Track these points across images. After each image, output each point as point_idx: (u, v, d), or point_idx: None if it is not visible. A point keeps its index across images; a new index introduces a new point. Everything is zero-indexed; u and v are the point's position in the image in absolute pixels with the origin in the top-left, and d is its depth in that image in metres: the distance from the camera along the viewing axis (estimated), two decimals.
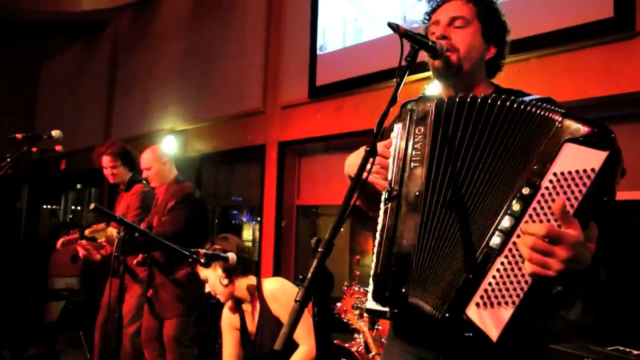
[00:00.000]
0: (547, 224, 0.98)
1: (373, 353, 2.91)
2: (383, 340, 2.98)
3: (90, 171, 8.43)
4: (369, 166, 1.05)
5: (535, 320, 1.05)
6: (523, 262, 1.00)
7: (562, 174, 1.01)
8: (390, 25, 1.16)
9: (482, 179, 1.11)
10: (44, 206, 10.21)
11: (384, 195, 1.21)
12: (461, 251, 1.10)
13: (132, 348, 3.46)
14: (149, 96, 6.98)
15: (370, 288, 1.19)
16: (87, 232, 3.19)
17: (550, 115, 1.07)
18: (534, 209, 1.02)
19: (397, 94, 1.12)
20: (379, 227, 1.21)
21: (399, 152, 1.22)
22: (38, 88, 10.49)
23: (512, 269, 1.02)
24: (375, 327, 3.05)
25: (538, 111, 1.09)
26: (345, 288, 3.27)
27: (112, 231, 3.03)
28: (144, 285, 3.44)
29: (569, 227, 0.96)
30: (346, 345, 3.02)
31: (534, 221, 1.02)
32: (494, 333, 1.01)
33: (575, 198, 0.99)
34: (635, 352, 2.22)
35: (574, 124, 1.04)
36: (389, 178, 1.22)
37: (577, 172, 1.00)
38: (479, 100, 1.14)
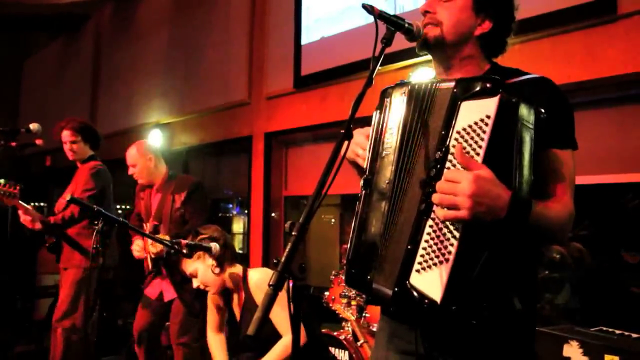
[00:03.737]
0: (448, 170, 1.05)
1: (361, 341, 2.92)
2: (371, 327, 2.99)
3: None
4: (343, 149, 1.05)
5: (486, 281, 1.04)
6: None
7: (464, 129, 1.07)
8: (364, 6, 1.15)
9: (424, 160, 1.15)
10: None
11: (361, 182, 1.22)
12: (407, 230, 1.13)
13: (64, 346, 3.29)
14: (133, 90, 6.91)
15: (344, 273, 1.25)
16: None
17: (445, 86, 1.15)
18: (447, 168, 1.08)
19: (372, 76, 1.12)
20: (355, 213, 1.23)
21: (374, 140, 1.25)
22: (21, 84, 10.34)
23: (440, 228, 1.07)
24: (363, 314, 3.06)
25: (440, 86, 1.17)
26: (333, 277, 3.27)
27: None
28: (84, 270, 3.30)
29: (469, 168, 1.02)
30: (334, 333, 3.03)
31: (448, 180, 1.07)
32: (436, 294, 1.04)
33: (480, 147, 1.04)
34: (617, 332, 2.25)
35: (464, 85, 1.11)
36: (364, 166, 1.25)
37: (475, 123, 1.05)
38: (423, 86, 1.20)
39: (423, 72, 3.06)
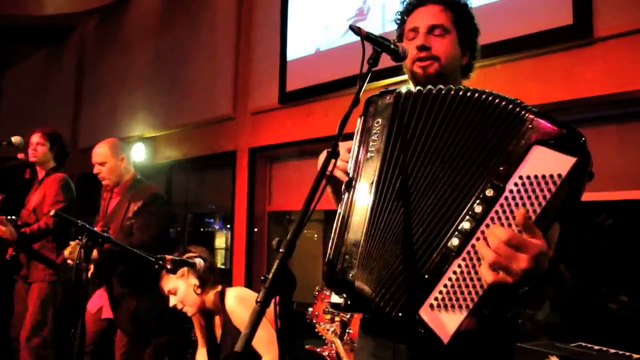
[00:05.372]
0: (511, 231, 0.96)
1: None
2: (355, 344, 2.97)
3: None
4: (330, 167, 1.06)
5: (490, 322, 1.05)
6: (480, 266, 0.98)
7: (528, 177, 0.99)
8: (351, 27, 1.17)
9: (437, 172, 1.11)
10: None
11: (344, 186, 1.22)
12: (411, 243, 1.09)
13: None
14: (117, 103, 6.86)
15: (325, 273, 1.21)
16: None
17: (522, 113, 1.04)
18: (496, 212, 1.00)
19: (359, 96, 1.14)
20: (337, 215, 1.21)
21: (357, 144, 1.24)
22: (1, 95, 10.20)
23: (469, 272, 1.01)
24: (347, 331, 3.05)
25: (509, 107, 1.06)
26: (317, 293, 3.27)
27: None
28: (49, 284, 3.24)
29: (532, 236, 0.95)
30: (318, 350, 3.02)
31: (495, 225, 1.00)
32: (445, 336, 1.00)
33: (539, 204, 0.97)
34: (596, 347, 2.28)
35: (545, 125, 1.01)
36: (348, 167, 1.24)
37: (543, 177, 0.97)
38: (443, 91, 1.15)
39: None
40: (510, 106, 1.06)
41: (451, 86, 1.16)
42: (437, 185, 1.10)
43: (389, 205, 1.15)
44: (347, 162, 1.26)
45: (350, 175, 1.22)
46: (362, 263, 1.14)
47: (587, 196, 3.16)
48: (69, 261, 2.64)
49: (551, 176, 0.96)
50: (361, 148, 1.23)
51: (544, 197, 0.97)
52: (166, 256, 2.13)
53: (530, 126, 1.02)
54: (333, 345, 3.02)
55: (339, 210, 1.21)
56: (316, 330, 3.17)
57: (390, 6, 3.96)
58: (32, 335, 3.23)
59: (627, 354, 2.23)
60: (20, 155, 3.24)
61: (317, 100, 4.40)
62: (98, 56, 7.56)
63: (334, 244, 1.19)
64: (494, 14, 3.29)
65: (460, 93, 1.13)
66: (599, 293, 3.14)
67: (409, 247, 1.09)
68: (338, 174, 1.27)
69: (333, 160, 1.06)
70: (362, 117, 1.27)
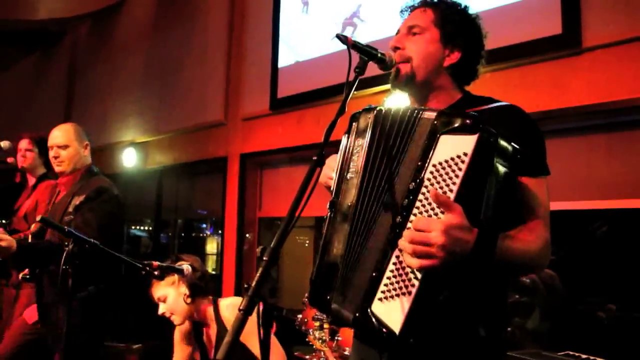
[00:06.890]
0: (418, 217, 1.04)
1: None
2: (343, 351, 2.97)
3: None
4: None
5: (449, 313, 1.05)
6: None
7: (440, 163, 1.07)
8: (338, 36, 1.18)
9: (394, 187, 1.15)
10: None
11: (328, 204, 1.24)
12: (375, 264, 1.13)
13: None
14: (108, 108, 6.84)
15: (308, 292, 1.28)
16: None
17: (427, 115, 1.14)
18: (420, 201, 1.08)
19: (345, 105, 1.14)
20: (322, 234, 1.25)
21: (340, 163, 1.27)
22: None
23: None
24: (336, 338, 3.04)
25: (420, 115, 1.15)
26: (306, 300, 3.25)
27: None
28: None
29: (450, 213, 1.00)
30: (307, 357, 3.00)
31: (420, 213, 1.06)
32: (396, 325, 1.04)
33: (454, 183, 1.04)
34: (584, 356, 2.29)
35: (446, 118, 1.10)
36: (332, 188, 1.27)
37: (452, 159, 1.05)
38: (392, 112, 1.20)
39: (397, 98, 3.14)
40: (420, 114, 1.16)
41: (414, 107, 1.20)
42: (393, 203, 1.14)
43: (366, 228, 1.17)
44: (331, 173, 1.29)
45: (334, 194, 1.25)
46: (339, 286, 1.19)
47: (575, 205, 3.17)
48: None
49: (458, 156, 1.05)
50: (344, 167, 1.26)
51: (457, 175, 1.04)
52: (153, 262, 2.11)
53: (435, 122, 1.11)
54: (322, 353, 3.01)
55: (324, 229, 1.26)
56: (307, 339, 3.15)
57: (381, 15, 3.98)
58: None
59: None
60: (10, 160, 3.21)
61: (308, 107, 4.41)
62: (90, 61, 7.54)
63: (317, 264, 1.25)
64: (483, 23, 3.32)
65: (407, 113, 1.18)
66: (587, 301, 3.16)
67: (373, 267, 1.13)
68: (331, 184, 1.29)
69: (319, 169, 1.06)
70: (346, 135, 1.29)
